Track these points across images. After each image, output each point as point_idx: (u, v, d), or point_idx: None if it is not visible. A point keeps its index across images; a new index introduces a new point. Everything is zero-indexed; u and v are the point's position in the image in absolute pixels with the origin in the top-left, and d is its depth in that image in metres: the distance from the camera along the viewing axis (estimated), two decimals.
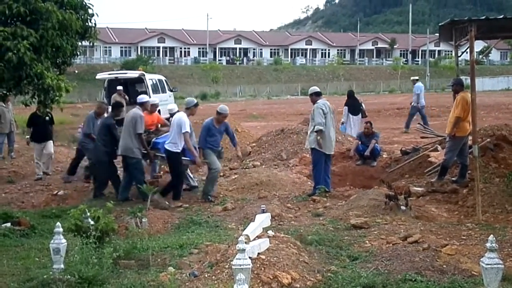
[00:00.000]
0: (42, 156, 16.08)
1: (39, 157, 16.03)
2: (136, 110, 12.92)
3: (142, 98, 13.61)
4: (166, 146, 12.48)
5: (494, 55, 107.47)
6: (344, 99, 21.92)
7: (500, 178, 11.68)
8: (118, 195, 12.80)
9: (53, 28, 11.24)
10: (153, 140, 13.39)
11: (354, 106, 20.69)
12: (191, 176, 13.80)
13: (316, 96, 12.94)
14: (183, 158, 12.72)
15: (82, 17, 12.62)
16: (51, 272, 7.04)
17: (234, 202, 11.97)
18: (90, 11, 12.86)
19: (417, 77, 25.04)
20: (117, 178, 13.23)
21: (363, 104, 21.45)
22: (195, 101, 13.20)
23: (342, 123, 20.39)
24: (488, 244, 5.87)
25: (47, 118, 15.66)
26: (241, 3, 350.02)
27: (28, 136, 16.48)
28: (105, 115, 14.48)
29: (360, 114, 20.69)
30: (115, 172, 13.38)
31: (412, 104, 24.19)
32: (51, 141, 16.37)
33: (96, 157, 13.26)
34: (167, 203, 12.04)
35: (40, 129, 15.95)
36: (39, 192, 14.13)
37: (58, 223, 7.41)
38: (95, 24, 13.17)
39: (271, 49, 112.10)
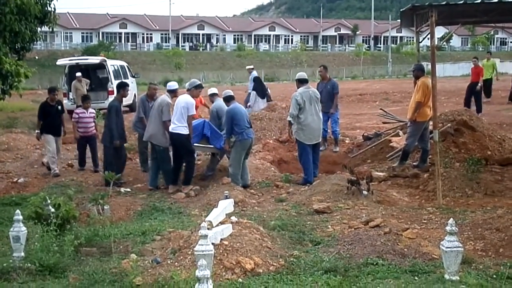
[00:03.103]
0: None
1: (54, 151, 14.02)
2: (164, 97, 12.47)
3: (172, 85, 12.95)
4: (177, 130, 11.87)
5: (455, 41, 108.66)
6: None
7: (460, 163, 11.86)
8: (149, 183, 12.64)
9: (11, 13, 11.05)
10: None
11: (261, 91, 21.78)
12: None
13: (299, 83, 12.73)
14: (208, 146, 12.57)
15: (41, 1, 12.41)
16: (11, 260, 6.96)
17: (197, 189, 11.91)
18: None
19: (252, 66, 25.33)
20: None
21: (268, 89, 22.71)
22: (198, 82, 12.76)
23: (249, 106, 21.02)
24: (448, 228, 5.95)
25: (58, 107, 14.27)
26: None
27: (38, 131, 14.24)
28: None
29: (265, 98, 21.88)
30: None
31: (248, 91, 24.21)
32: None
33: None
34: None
35: (54, 121, 14.09)
36: None
37: (18, 211, 7.32)
38: (54, 8, 12.99)
39: (234, 35, 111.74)
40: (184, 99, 12.02)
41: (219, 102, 13.09)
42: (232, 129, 11.98)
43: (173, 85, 13.01)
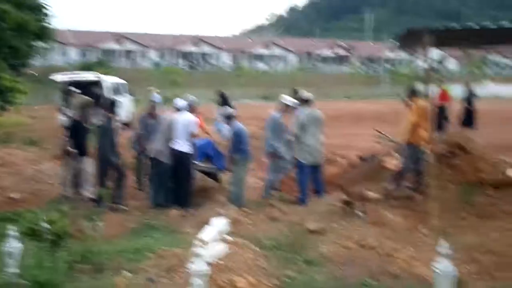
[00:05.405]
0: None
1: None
2: (174, 115, 12.50)
3: (180, 104, 12.55)
4: (179, 148, 11.92)
5: (452, 63, 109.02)
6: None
7: (455, 185, 11.88)
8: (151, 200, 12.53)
9: (9, 29, 11.07)
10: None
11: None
12: None
13: (304, 102, 12.81)
14: (209, 166, 12.66)
15: (40, 18, 12.46)
16: (4, 276, 6.93)
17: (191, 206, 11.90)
18: (48, 12, 12.70)
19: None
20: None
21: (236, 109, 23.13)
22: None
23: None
24: (441, 250, 5.96)
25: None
26: (203, 8, 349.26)
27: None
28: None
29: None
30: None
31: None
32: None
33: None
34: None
35: (79, 140, 12.69)
36: None
37: (13, 227, 7.31)
38: (52, 25, 13.00)
39: (231, 54, 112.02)
40: (184, 116, 12.04)
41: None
42: (239, 148, 12.01)
43: (181, 104, 12.66)
